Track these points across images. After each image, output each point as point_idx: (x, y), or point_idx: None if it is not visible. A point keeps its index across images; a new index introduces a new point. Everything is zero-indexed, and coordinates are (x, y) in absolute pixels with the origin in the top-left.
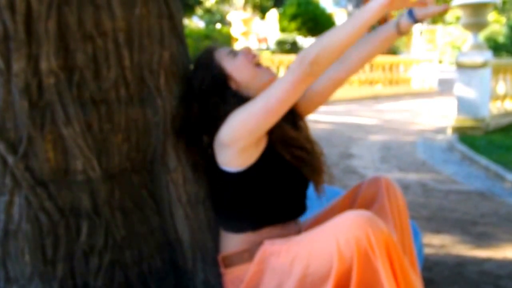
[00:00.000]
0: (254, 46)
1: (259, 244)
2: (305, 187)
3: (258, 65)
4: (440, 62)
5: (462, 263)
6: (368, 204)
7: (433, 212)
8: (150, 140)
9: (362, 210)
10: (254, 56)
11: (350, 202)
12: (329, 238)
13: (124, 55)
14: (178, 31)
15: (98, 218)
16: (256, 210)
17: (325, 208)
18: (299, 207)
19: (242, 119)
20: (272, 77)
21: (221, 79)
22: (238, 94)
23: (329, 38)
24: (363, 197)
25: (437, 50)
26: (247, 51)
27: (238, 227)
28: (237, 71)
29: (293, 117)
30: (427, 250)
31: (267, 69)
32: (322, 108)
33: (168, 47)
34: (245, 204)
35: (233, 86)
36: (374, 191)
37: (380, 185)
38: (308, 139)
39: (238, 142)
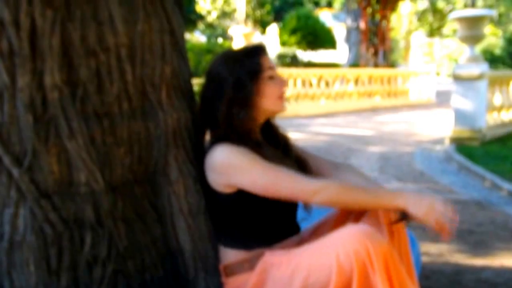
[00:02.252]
0: None
1: (259, 254)
2: (294, 209)
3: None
4: (438, 74)
5: (459, 271)
6: (363, 213)
7: None
8: (152, 153)
9: (361, 224)
10: (284, 92)
11: (347, 212)
12: (329, 251)
13: (127, 70)
14: (179, 46)
15: (101, 229)
16: (246, 231)
17: (324, 217)
18: (290, 228)
19: (242, 178)
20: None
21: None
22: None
23: (344, 195)
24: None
25: (435, 63)
26: (284, 83)
27: (231, 244)
28: (266, 97)
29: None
30: (425, 259)
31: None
32: (322, 120)
33: (169, 61)
34: (234, 224)
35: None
36: None
37: None
38: (298, 159)
39: (228, 180)
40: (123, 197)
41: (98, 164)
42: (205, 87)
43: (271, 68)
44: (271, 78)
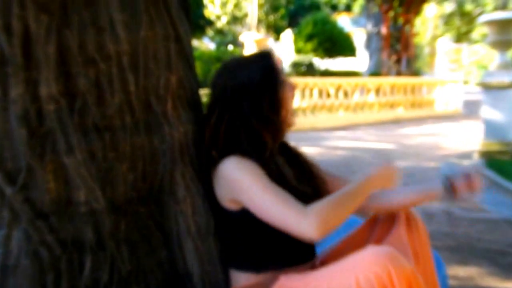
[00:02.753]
0: None
1: (273, 277)
2: None
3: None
4: (466, 82)
5: None
6: (386, 235)
7: (459, 242)
8: (157, 169)
9: (383, 245)
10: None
11: (368, 233)
12: (348, 275)
13: (129, 79)
14: (185, 53)
15: (102, 252)
16: (257, 253)
17: (342, 238)
18: (305, 252)
19: (242, 194)
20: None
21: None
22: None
23: (334, 211)
24: (382, 227)
25: (462, 70)
26: (294, 87)
27: (242, 267)
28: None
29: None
30: (453, 282)
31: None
32: (340, 133)
33: (175, 71)
34: (244, 245)
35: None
36: (393, 221)
37: (398, 214)
38: (315, 180)
39: (232, 195)
40: (126, 217)
41: (98, 181)
42: (214, 99)
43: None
44: (284, 83)
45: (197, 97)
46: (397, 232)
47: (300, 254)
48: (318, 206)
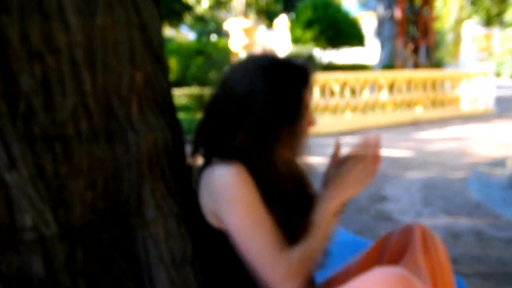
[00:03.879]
0: None
1: None
2: None
3: None
4: (498, 75)
5: None
6: (399, 259)
7: (492, 267)
8: (122, 186)
9: (392, 266)
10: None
11: (378, 257)
12: None
13: (84, 77)
14: (153, 45)
15: (54, 287)
16: (245, 282)
17: (348, 264)
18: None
19: (227, 214)
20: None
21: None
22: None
23: (307, 257)
24: (394, 250)
25: (494, 60)
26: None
27: None
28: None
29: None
30: None
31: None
32: (347, 138)
33: (141, 66)
34: (230, 271)
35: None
36: (406, 241)
37: (413, 234)
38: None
39: (216, 209)
40: (83, 244)
41: (48, 202)
42: (221, 104)
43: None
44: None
45: (168, 99)
46: (412, 254)
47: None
48: (295, 259)
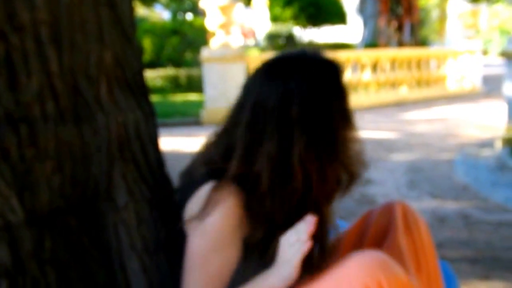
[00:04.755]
0: (238, 41)
1: None
2: None
3: None
4: (485, 53)
5: None
6: (380, 240)
7: (480, 252)
8: (91, 170)
9: (371, 250)
10: None
11: (359, 237)
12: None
13: (50, 56)
14: (122, 23)
15: (21, 276)
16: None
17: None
18: None
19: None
20: None
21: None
22: None
23: None
24: (375, 230)
25: (481, 38)
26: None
27: None
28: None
29: None
30: None
31: None
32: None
33: (110, 45)
34: None
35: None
36: (387, 221)
37: (394, 213)
38: None
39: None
40: (52, 231)
41: (14, 187)
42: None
43: None
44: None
45: (139, 79)
46: (393, 235)
47: None
48: None
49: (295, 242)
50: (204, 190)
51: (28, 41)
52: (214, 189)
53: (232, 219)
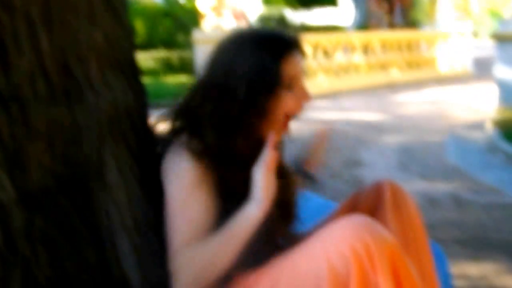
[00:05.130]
0: (229, 24)
1: (226, 278)
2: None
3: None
4: (476, 35)
5: None
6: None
7: (470, 233)
8: (81, 149)
9: (358, 215)
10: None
11: (350, 210)
12: (318, 254)
13: (41, 36)
14: (114, 4)
15: (12, 256)
16: None
17: (316, 224)
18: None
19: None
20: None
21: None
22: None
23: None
24: (363, 209)
25: (472, 20)
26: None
27: None
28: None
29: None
30: (462, 283)
31: None
32: (321, 102)
33: (100, 25)
34: None
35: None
36: (376, 200)
37: (383, 192)
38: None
39: None
40: (42, 210)
41: (5, 166)
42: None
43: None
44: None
45: (130, 59)
46: (382, 214)
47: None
48: (191, 257)
49: (260, 166)
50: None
51: (19, 21)
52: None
53: (199, 165)
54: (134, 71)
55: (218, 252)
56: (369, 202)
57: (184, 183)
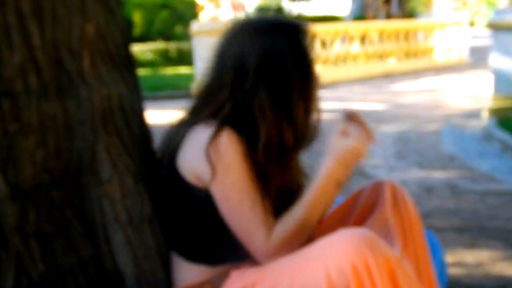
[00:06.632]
0: (228, 15)
1: (223, 274)
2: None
3: None
4: (472, 24)
5: (506, 286)
6: (368, 215)
7: (467, 221)
8: (74, 143)
9: (358, 228)
10: None
11: (348, 213)
12: (316, 266)
13: (32, 30)
14: None
15: (5, 251)
16: (215, 241)
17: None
18: None
19: (219, 185)
20: None
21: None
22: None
23: (298, 241)
24: (363, 206)
25: (468, 9)
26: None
27: (192, 256)
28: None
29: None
30: (458, 271)
31: None
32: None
33: (92, 18)
34: (201, 229)
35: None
36: (376, 198)
37: (383, 191)
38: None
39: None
40: (35, 205)
41: None
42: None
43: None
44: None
45: (123, 52)
46: (381, 211)
47: None
48: (284, 233)
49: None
50: (199, 137)
51: (10, 15)
52: (214, 138)
53: (242, 152)
54: (128, 64)
55: (305, 220)
56: (370, 200)
57: (236, 174)
